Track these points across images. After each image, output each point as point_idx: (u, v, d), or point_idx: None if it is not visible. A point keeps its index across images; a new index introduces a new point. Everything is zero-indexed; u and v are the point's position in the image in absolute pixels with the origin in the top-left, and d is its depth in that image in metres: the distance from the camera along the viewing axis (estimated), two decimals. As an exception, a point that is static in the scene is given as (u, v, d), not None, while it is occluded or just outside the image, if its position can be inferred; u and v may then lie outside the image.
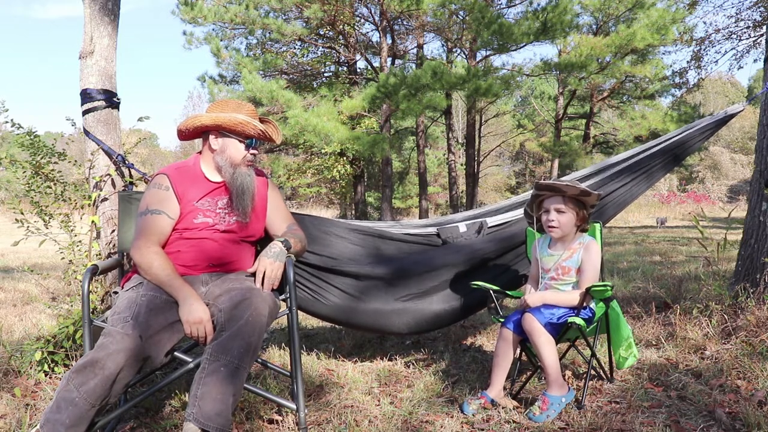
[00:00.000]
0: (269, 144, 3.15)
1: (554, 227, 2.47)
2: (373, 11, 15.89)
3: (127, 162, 2.93)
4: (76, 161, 3.18)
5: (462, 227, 3.05)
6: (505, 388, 2.62)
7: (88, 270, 2.08)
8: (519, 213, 3.10)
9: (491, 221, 3.09)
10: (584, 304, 2.40)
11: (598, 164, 3.25)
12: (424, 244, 3.06)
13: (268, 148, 17.34)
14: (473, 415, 2.31)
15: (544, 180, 2.55)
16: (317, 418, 2.31)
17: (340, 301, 2.86)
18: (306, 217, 2.89)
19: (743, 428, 2.08)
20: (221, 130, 2.26)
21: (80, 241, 2.99)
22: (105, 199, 2.92)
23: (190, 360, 2.02)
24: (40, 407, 2.40)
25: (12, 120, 3.05)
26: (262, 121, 2.36)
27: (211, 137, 2.28)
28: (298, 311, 2.86)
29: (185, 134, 2.33)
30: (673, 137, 3.21)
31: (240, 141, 2.27)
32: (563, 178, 3.11)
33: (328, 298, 2.86)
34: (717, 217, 15.38)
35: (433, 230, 3.09)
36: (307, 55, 18.24)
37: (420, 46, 17.50)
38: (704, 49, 14.61)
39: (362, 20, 16.69)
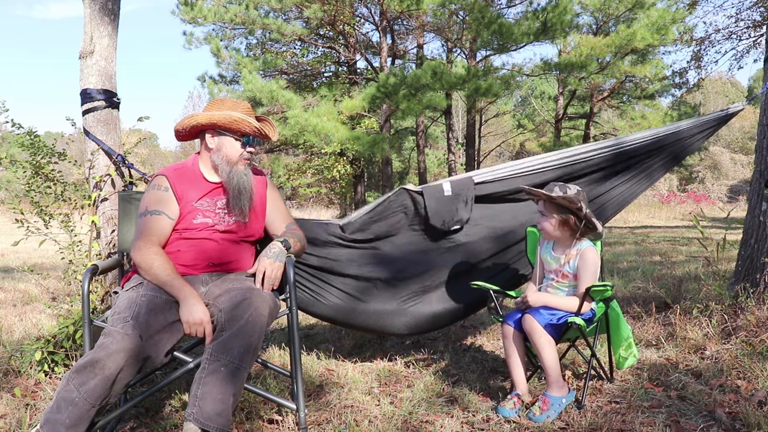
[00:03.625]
0: (269, 143, 3.14)
1: (540, 229, 2.53)
2: (373, 11, 15.89)
3: (127, 162, 2.93)
4: (76, 161, 3.18)
5: (447, 187, 2.90)
6: (508, 389, 2.62)
7: (88, 270, 2.08)
8: (507, 171, 2.95)
9: (478, 177, 2.95)
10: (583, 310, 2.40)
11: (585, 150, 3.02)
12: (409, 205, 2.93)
13: (267, 148, 17.34)
14: (517, 414, 2.30)
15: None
16: (317, 418, 2.31)
17: (339, 302, 2.87)
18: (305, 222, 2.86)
19: (743, 428, 2.08)
20: (217, 129, 2.26)
21: (80, 241, 2.99)
22: (105, 199, 2.92)
23: (190, 360, 2.02)
24: (40, 407, 2.40)
25: (12, 120, 3.05)
26: (258, 119, 2.36)
27: (208, 136, 2.28)
28: (298, 311, 2.85)
29: (182, 134, 2.34)
30: (670, 130, 3.11)
31: (236, 139, 2.27)
32: (556, 157, 3.02)
33: (328, 298, 2.86)
34: (717, 217, 15.37)
35: (418, 188, 2.93)
36: (307, 55, 18.25)
37: (420, 46, 17.50)
38: (704, 49, 14.59)
39: (362, 20, 16.69)
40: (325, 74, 18.06)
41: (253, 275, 2.18)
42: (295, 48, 17.72)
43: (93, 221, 2.88)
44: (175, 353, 2.04)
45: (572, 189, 2.40)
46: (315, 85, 17.32)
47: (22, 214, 2.99)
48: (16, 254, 8.57)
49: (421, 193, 2.90)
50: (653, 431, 2.09)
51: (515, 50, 13.85)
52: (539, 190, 2.43)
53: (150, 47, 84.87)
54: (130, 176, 2.98)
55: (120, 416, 2.19)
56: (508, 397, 2.39)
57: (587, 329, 2.45)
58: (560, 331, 2.39)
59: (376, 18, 15.80)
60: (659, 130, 3.08)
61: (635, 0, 15.08)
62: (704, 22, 41.58)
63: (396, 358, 3.14)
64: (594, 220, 2.43)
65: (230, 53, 15.48)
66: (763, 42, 9.48)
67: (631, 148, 3.03)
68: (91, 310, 2.12)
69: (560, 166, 2.95)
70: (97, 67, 2.90)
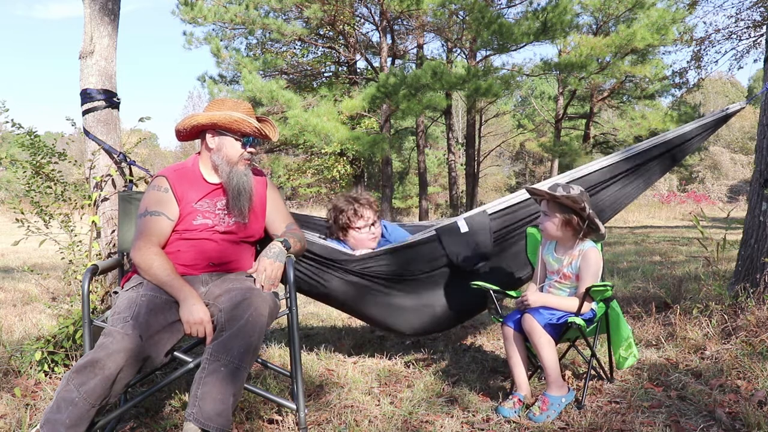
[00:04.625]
0: (269, 143, 3.13)
1: (542, 229, 2.51)
2: (373, 11, 15.89)
3: (129, 159, 2.93)
4: (76, 161, 3.18)
5: (463, 226, 2.88)
6: (508, 389, 2.63)
7: (88, 270, 2.08)
8: (519, 197, 2.94)
9: (491, 209, 2.92)
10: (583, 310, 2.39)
11: (590, 165, 3.05)
12: (425, 246, 2.97)
13: (267, 148, 17.35)
14: (517, 415, 2.30)
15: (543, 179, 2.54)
16: (317, 418, 2.31)
17: (343, 298, 2.86)
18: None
19: (743, 428, 2.08)
20: (217, 129, 2.26)
21: (80, 241, 2.99)
22: (105, 199, 2.92)
23: (190, 360, 2.02)
24: (40, 407, 2.40)
25: (12, 120, 3.05)
26: (259, 119, 2.36)
27: (208, 136, 2.28)
28: (303, 294, 2.82)
29: (183, 134, 2.34)
30: (671, 137, 3.13)
31: (236, 139, 2.27)
32: (554, 178, 3.03)
33: (331, 296, 2.85)
34: (717, 217, 15.36)
35: (431, 232, 2.93)
36: (307, 55, 18.26)
37: (420, 46, 17.50)
38: (704, 49, 14.59)
39: (362, 20, 16.70)
40: (325, 74, 18.07)
41: (253, 275, 2.18)
42: (295, 48, 17.73)
43: (93, 221, 2.88)
44: (175, 353, 2.04)
45: (575, 189, 2.40)
46: (315, 85, 17.33)
47: (23, 214, 2.99)
48: (16, 254, 8.56)
49: (438, 237, 2.83)
50: (653, 431, 2.09)
51: (515, 50, 13.87)
52: (543, 189, 2.43)
53: (150, 47, 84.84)
54: (131, 174, 2.98)
55: (120, 416, 2.19)
56: (509, 397, 2.39)
57: (587, 329, 2.45)
58: (560, 331, 2.39)
59: (376, 18, 15.81)
60: (666, 137, 3.09)
61: (635, 0, 15.09)
62: (704, 22, 41.60)
63: (396, 358, 3.14)
64: (597, 220, 2.41)
65: (230, 53, 15.49)
66: (763, 42, 9.47)
67: (638, 154, 3.03)
68: (91, 310, 2.13)
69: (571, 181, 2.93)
70: (97, 67, 2.90)
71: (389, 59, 16.43)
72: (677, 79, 16.79)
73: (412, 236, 2.98)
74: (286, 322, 2.26)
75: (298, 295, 2.47)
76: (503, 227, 2.91)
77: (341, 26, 15.98)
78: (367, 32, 17.85)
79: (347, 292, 2.84)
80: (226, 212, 2.28)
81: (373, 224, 3.01)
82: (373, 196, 3.10)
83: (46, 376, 2.69)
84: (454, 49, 18.07)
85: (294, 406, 2.13)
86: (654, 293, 4.32)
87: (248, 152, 2.29)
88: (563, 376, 2.46)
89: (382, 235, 3.11)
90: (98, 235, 2.93)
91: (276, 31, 14.65)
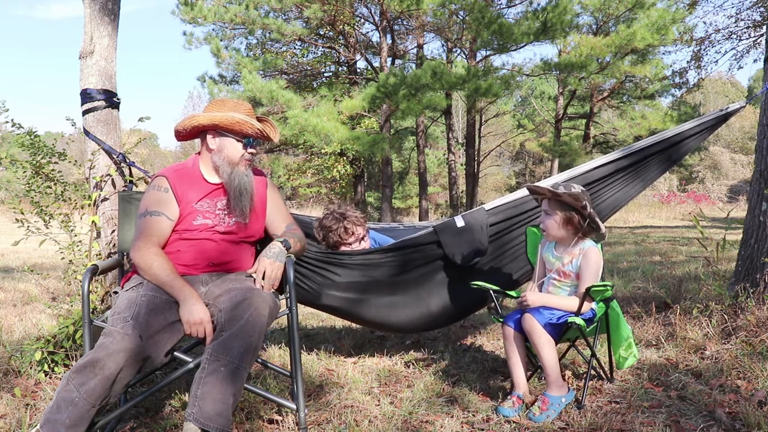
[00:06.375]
0: (269, 144, 3.12)
1: (543, 228, 2.50)
2: (373, 11, 15.89)
3: (128, 160, 2.93)
4: (76, 161, 3.18)
5: (459, 221, 2.89)
6: (508, 389, 2.63)
7: (88, 270, 2.08)
8: (517, 194, 2.97)
9: (489, 205, 2.96)
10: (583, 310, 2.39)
11: (588, 164, 3.08)
12: (423, 243, 2.99)
13: (268, 148, 17.35)
14: (518, 414, 2.30)
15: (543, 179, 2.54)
16: (317, 418, 2.31)
17: (342, 297, 2.85)
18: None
19: (743, 428, 2.08)
20: (218, 130, 2.26)
21: (80, 241, 2.99)
22: (105, 199, 2.92)
23: (190, 360, 2.03)
24: (40, 407, 2.40)
25: (12, 120, 3.05)
26: (259, 120, 2.36)
27: (209, 137, 2.28)
28: (303, 305, 2.83)
29: (183, 135, 2.33)
30: (670, 135, 3.14)
31: (237, 140, 2.27)
32: (552, 178, 3.04)
33: (331, 294, 2.84)
34: (717, 217, 15.36)
35: (429, 229, 2.95)
36: (307, 55, 18.26)
37: (420, 46, 17.50)
38: (704, 49, 14.59)
39: (362, 20, 16.70)
40: (325, 74, 18.07)
41: (253, 275, 2.18)
42: (295, 48, 17.73)
43: (93, 221, 2.88)
44: (175, 353, 2.05)
45: (576, 188, 2.41)
46: (315, 85, 17.34)
47: (23, 214, 2.99)
48: (16, 254, 8.56)
49: (435, 234, 2.85)
50: (653, 431, 2.09)
51: (515, 50, 13.87)
52: (544, 187, 2.43)
53: (150, 47, 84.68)
54: (131, 174, 2.98)
55: (120, 416, 2.19)
56: (508, 397, 2.39)
57: (587, 329, 2.45)
58: (560, 330, 2.39)
59: (376, 18, 15.81)
60: (665, 135, 3.09)
61: (635, 0, 15.08)
62: (704, 22, 41.56)
63: (396, 358, 3.14)
64: (597, 220, 2.42)
65: (230, 53, 15.49)
66: (763, 42, 9.48)
67: (636, 152, 3.04)
68: (91, 310, 2.13)
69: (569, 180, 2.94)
70: (97, 67, 2.90)
71: (389, 59, 16.43)
72: (677, 79, 16.79)
73: (411, 234, 2.99)
74: (286, 322, 2.26)
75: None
76: (501, 222, 2.91)
77: (341, 26, 15.98)
78: (367, 32, 17.87)
79: (344, 294, 2.84)
80: (226, 212, 2.28)
81: (362, 238, 3.02)
82: (358, 210, 3.10)
83: (46, 376, 2.69)
84: (454, 49, 18.06)
85: (294, 406, 2.13)
86: (654, 293, 4.32)
87: (249, 153, 2.29)
88: (563, 376, 2.47)
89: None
90: (98, 235, 2.93)
91: (276, 31, 14.65)
